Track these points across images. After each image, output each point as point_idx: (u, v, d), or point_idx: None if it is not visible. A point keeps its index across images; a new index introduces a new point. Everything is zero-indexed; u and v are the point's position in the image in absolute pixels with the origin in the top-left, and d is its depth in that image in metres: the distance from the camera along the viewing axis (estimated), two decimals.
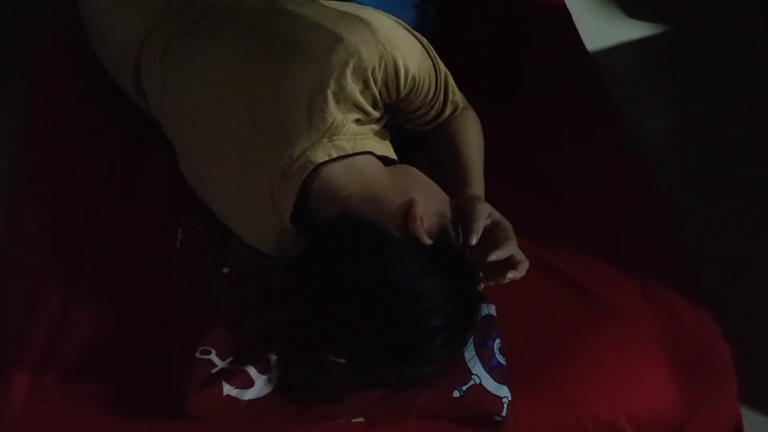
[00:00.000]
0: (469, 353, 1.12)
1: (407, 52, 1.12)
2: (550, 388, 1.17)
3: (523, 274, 1.08)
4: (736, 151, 2.10)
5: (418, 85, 1.16)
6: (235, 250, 1.22)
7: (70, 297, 1.20)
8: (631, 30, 2.39)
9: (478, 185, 1.20)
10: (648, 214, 1.40)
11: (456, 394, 1.10)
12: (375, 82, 1.10)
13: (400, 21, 1.17)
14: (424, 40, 1.19)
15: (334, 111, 1.09)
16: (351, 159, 1.09)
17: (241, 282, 1.17)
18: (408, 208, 1.02)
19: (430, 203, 1.06)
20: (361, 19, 1.10)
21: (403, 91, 1.14)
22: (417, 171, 1.13)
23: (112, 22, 1.34)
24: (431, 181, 1.12)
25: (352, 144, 1.10)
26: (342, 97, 1.09)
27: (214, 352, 1.08)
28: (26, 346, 1.14)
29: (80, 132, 1.40)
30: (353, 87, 1.09)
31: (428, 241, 1.01)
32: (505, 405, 1.11)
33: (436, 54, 1.19)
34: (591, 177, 1.43)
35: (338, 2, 1.18)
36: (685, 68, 2.31)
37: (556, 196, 1.39)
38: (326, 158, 1.08)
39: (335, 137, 1.10)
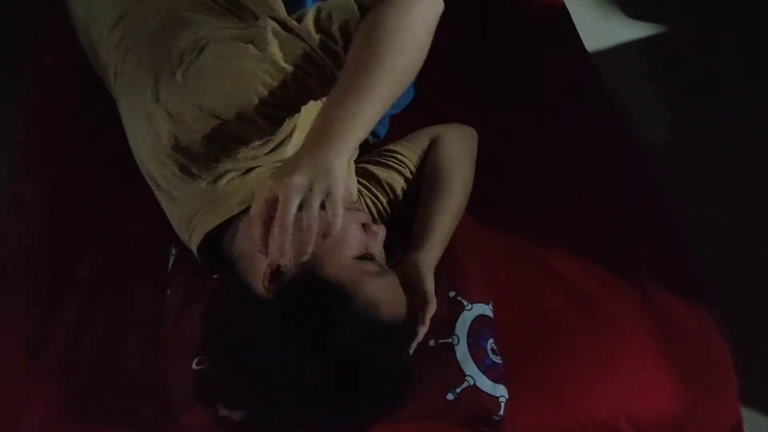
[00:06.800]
0: (462, 353, 1.11)
1: None
2: (550, 389, 1.17)
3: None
4: (736, 151, 2.10)
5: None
6: None
7: (63, 306, 1.21)
8: (631, 30, 2.39)
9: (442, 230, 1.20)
10: (648, 215, 1.40)
11: (450, 396, 1.09)
12: None
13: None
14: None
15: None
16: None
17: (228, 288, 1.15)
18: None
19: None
20: None
21: None
22: None
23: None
24: None
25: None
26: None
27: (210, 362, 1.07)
28: (19, 358, 1.15)
29: (77, 133, 1.41)
30: None
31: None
32: (502, 404, 1.10)
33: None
34: (590, 177, 1.43)
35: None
36: (685, 68, 2.30)
37: (555, 197, 1.39)
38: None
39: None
